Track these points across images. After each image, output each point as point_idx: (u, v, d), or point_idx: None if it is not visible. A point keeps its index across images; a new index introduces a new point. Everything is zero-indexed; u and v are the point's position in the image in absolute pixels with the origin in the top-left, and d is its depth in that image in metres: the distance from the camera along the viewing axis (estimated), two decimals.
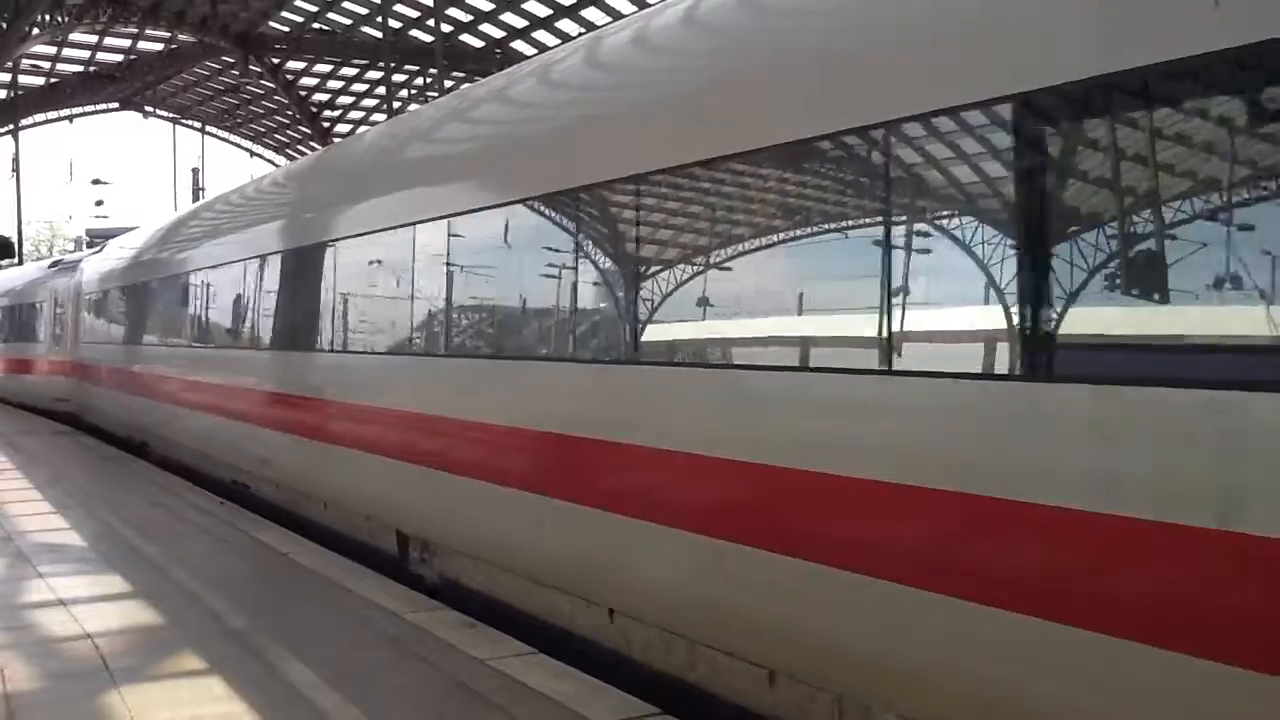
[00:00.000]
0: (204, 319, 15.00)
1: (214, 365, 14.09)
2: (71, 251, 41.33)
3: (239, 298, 13.32)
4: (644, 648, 6.18)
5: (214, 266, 14.28)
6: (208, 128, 53.68)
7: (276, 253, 12.09)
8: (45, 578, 8.70)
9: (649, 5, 7.72)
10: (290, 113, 47.08)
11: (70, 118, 49.68)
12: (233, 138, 54.72)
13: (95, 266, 22.47)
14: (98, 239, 34.57)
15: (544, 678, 6.09)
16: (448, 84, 33.56)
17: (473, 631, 7.10)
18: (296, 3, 35.96)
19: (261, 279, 12.52)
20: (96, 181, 62.06)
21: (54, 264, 28.47)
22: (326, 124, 46.13)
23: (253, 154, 54.97)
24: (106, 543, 10.13)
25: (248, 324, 13.05)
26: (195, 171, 55.72)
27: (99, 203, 64.60)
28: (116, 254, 21.40)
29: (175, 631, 7.18)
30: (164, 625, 7.35)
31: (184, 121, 53.54)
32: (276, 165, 50.30)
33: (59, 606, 7.81)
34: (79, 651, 6.73)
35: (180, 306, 16.03)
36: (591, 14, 30.85)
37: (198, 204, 22.95)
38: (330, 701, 5.79)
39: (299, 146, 50.85)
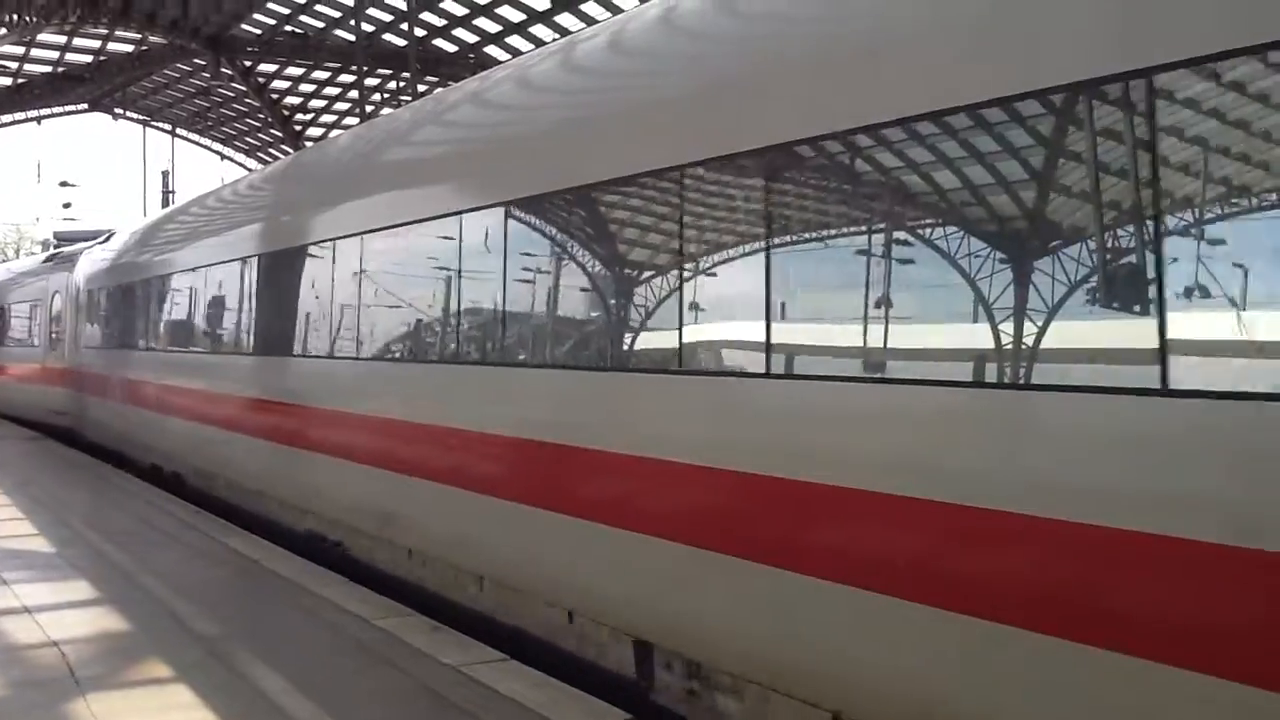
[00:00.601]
0: (278, 320, 11.28)
1: (308, 380, 10.51)
2: (48, 251, 39.42)
3: (340, 286, 9.85)
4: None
5: (285, 249, 11.14)
6: (178, 130, 53.27)
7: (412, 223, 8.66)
8: (10, 585, 8.61)
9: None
10: (262, 116, 46.78)
11: (38, 119, 49.13)
12: (204, 141, 54.31)
13: (98, 259, 19.64)
14: (65, 242, 33.54)
15: (515, 684, 6.08)
16: (420, 88, 33.49)
17: (440, 636, 7.08)
18: (269, 5, 35.77)
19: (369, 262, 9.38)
20: (64, 184, 61.49)
21: (50, 257, 25.66)
22: (299, 127, 45.87)
23: (224, 157, 54.60)
24: (74, 549, 10.04)
25: (367, 326, 9.43)
26: (165, 174, 55.28)
27: (67, 205, 63.97)
28: (126, 244, 18.38)
29: (143, 638, 7.13)
30: (132, 632, 7.29)
31: (154, 124, 53.11)
32: (248, 169, 50.01)
33: (24, 614, 7.73)
34: (45, 659, 6.67)
35: (225, 305, 12.91)
36: (566, 20, 30.84)
37: (239, 179, 17.45)
38: (299, 708, 5.76)
39: (271, 150, 50.57)
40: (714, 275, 5.58)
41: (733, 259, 5.46)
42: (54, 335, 22.03)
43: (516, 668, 6.41)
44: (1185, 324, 3.60)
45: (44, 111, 48.33)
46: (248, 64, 40.86)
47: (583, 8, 30.41)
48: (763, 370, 5.10)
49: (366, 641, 7.02)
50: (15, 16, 31.68)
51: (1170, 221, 3.69)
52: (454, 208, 7.87)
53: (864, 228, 4.85)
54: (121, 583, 8.69)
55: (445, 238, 8.05)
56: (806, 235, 5.18)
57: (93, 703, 5.84)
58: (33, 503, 12.78)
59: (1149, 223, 3.68)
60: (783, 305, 5.15)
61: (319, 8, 35.40)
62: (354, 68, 34.98)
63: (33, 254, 45.29)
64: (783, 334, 5.08)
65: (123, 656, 6.73)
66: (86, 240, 29.75)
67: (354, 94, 39.86)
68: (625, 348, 6.26)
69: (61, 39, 38.72)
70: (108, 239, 20.80)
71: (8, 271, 29.36)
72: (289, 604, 8.10)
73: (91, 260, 20.35)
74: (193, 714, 5.70)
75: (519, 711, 5.66)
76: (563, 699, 5.85)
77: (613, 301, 6.41)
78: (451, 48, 35.71)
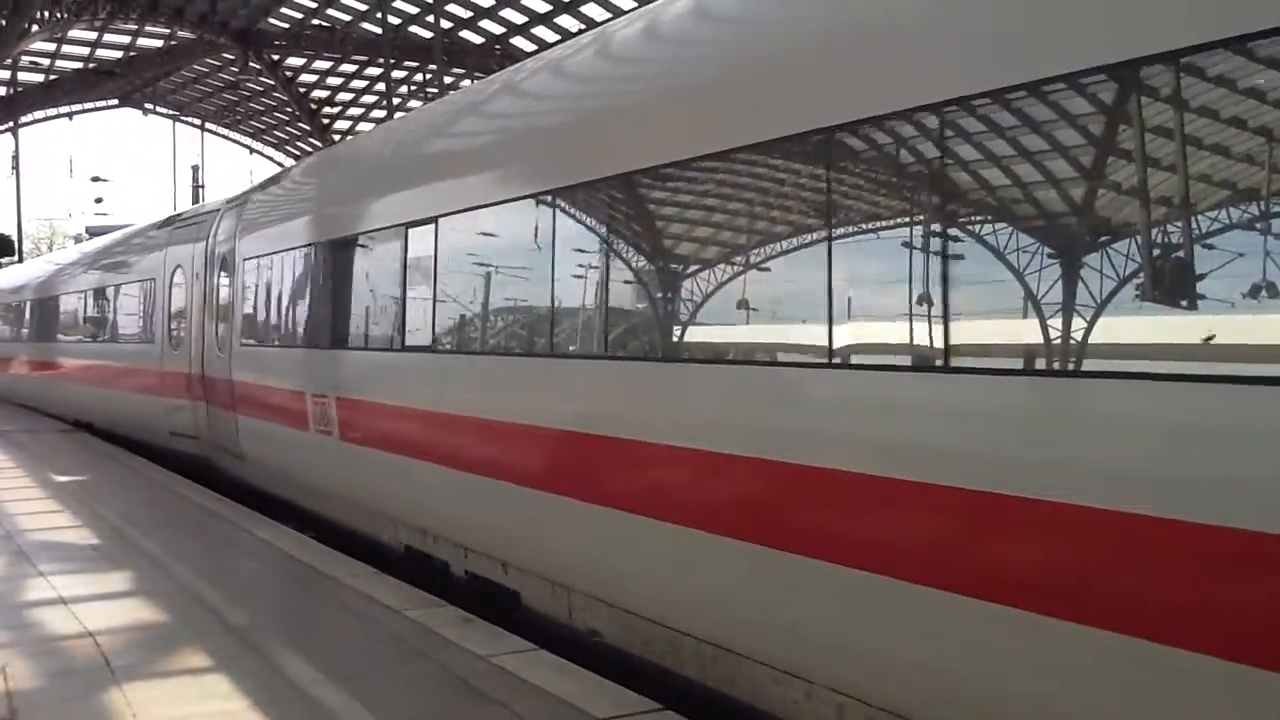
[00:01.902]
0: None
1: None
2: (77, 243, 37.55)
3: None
4: None
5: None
6: (207, 124, 53.65)
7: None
8: (46, 576, 8.70)
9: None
10: (290, 109, 47.04)
11: (70, 115, 49.66)
12: (232, 134, 54.71)
13: (263, 212, 13.23)
14: (97, 236, 32.80)
15: (544, 674, 6.10)
16: (447, 80, 33.57)
17: (471, 627, 7.11)
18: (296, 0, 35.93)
19: None
20: (96, 179, 62.03)
21: (169, 221, 18.43)
22: (326, 120, 46.09)
23: (252, 150, 54.99)
24: (107, 540, 10.14)
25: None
26: (195, 169, 55.73)
27: (99, 200, 64.56)
28: (323, 185, 12.21)
29: (177, 629, 7.19)
30: (165, 623, 7.36)
31: (184, 118, 53.51)
32: (278, 164, 50.29)
33: (60, 605, 7.82)
34: (80, 649, 6.74)
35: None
36: (592, 10, 30.81)
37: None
38: (332, 698, 5.80)
39: (299, 143, 50.83)
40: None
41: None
42: (174, 329, 15.90)
43: (546, 657, 6.43)
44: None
45: (75, 107, 48.86)
46: (276, 57, 41.11)
47: None
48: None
49: (398, 632, 7.05)
50: (46, 13, 31.95)
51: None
52: None
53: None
54: (154, 574, 8.77)
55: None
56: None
57: (129, 692, 5.90)
58: (66, 495, 12.91)
59: None
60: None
61: (346, 1, 35.54)
62: (381, 60, 35.10)
63: (63, 249, 45.30)
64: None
65: (157, 647, 6.80)
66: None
67: (381, 86, 40.02)
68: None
69: (92, 35, 39.07)
70: (274, 181, 14.20)
71: (107, 246, 22.73)
72: (320, 595, 8.15)
73: (249, 215, 13.53)
74: (228, 704, 5.75)
75: (549, 701, 5.68)
76: (589, 688, 5.86)
77: None
78: (478, 39, 35.76)
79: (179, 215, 18.65)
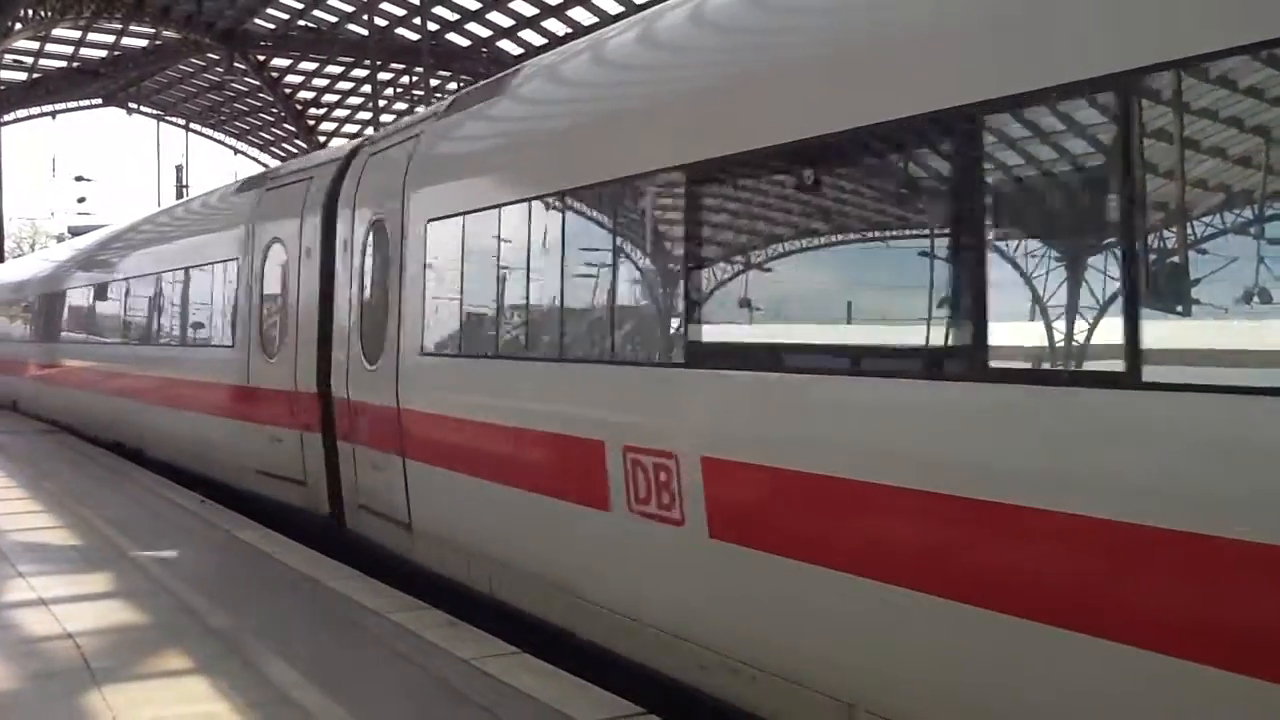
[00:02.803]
0: None
1: None
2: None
3: None
4: None
5: None
6: (192, 125, 53.48)
7: None
8: (26, 577, 8.64)
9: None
10: (275, 110, 46.96)
11: (53, 114, 49.45)
12: (217, 135, 54.56)
13: (450, 154, 8.90)
14: (79, 235, 32.14)
15: (529, 678, 6.07)
16: (433, 83, 33.55)
17: (455, 631, 7.08)
18: (282, 0, 35.85)
19: None
20: (79, 178, 61.74)
21: (255, 181, 14.02)
22: (311, 121, 46.01)
23: (237, 152, 54.86)
24: (88, 541, 10.07)
25: None
26: (179, 169, 55.51)
27: (82, 200, 64.24)
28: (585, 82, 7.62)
29: (158, 631, 7.14)
30: (146, 624, 7.31)
31: (168, 119, 53.33)
32: (262, 164, 50.14)
33: (40, 606, 7.75)
34: (60, 651, 6.68)
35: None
36: (578, 14, 30.85)
37: None
38: (314, 701, 5.77)
39: (283, 144, 50.71)
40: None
41: None
42: (269, 326, 11.67)
43: (530, 661, 6.40)
44: None
45: (59, 106, 48.67)
46: (261, 59, 41.06)
47: (595, 1, 30.39)
48: None
49: (381, 635, 7.02)
50: (31, 12, 31.82)
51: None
52: None
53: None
54: (136, 575, 8.71)
55: None
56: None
57: (109, 695, 5.85)
58: (47, 496, 12.82)
59: None
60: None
61: (332, 2, 35.50)
62: (367, 62, 35.06)
63: (46, 248, 44.74)
64: None
65: (137, 649, 6.75)
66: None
67: (367, 88, 39.96)
68: None
69: (76, 34, 38.94)
70: (482, 96, 8.74)
71: (145, 221, 18.95)
72: (303, 597, 8.11)
73: (433, 154, 8.92)
74: (208, 706, 5.71)
75: (533, 705, 5.66)
76: (576, 692, 5.84)
77: None
78: (465, 42, 35.75)
79: (273, 173, 13.60)
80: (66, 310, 21.58)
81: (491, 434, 7.51)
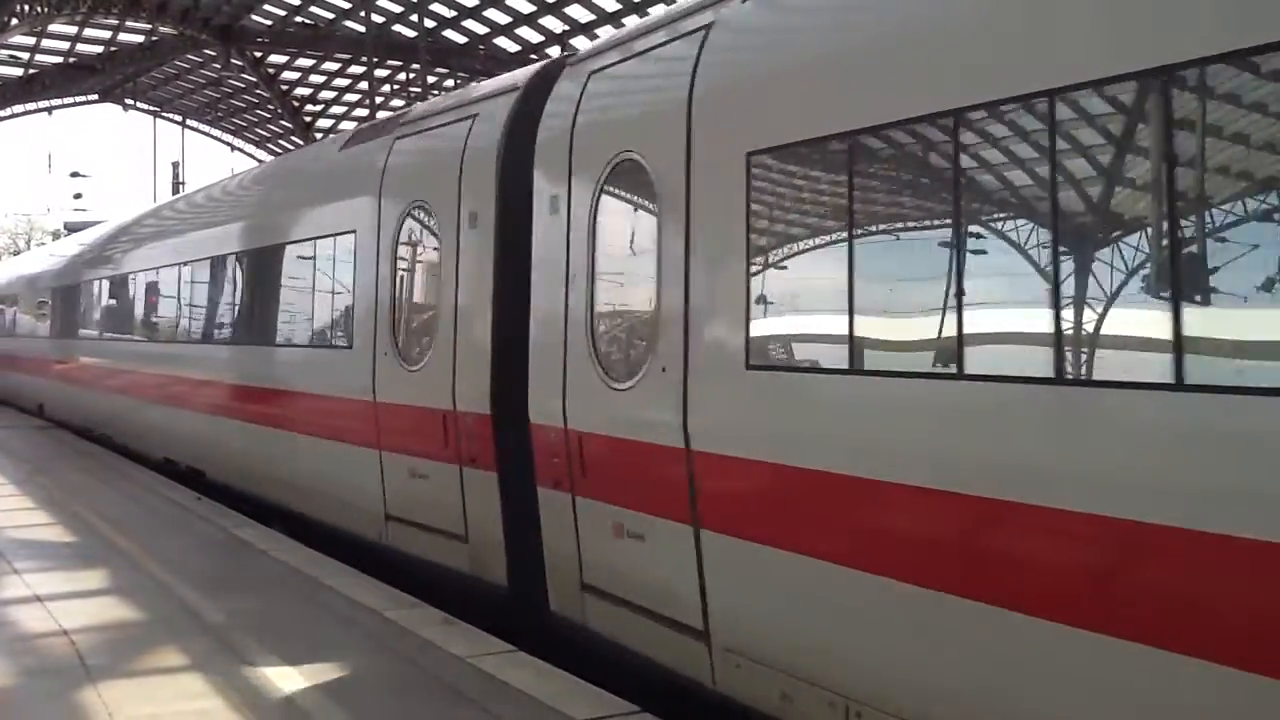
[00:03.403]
0: None
1: None
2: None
3: None
4: None
5: None
6: (189, 121, 53.37)
7: None
8: (21, 574, 8.64)
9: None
10: (272, 107, 46.86)
11: (49, 109, 49.33)
12: (214, 132, 54.44)
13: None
14: (75, 232, 31.66)
15: (523, 676, 6.09)
16: (430, 80, 33.52)
17: (450, 628, 7.09)
18: None
19: None
20: (75, 174, 61.55)
21: (365, 133, 10.87)
22: (308, 119, 45.95)
23: (234, 148, 54.73)
24: (83, 538, 10.07)
25: None
26: (176, 165, 55.40)
27: (78, 195, 64.10)
28: None
29: (152, 627, 7.15)
30: (141, 621, 7.32)
31: (165, 115, 53.21)
32: (259, 160, 50.14)
33: (36, 602, 7.76)
34: (55, 648, 6.70)
35: None
36: (575, 11, 30.82)
37: None
38: (308, 698, 5.78)
39: (281, 141, 50.66)
40: None
41: None
42: (409, 321, 8.94)
43: (525, 659, 6.42)
44: None
45: (55, 102, 48.55)
46: (258, 55, 40.96)
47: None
48: None
49: (377, 633, 7.03)
50: (26, 7, 31.76)
51: None
52: None
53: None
54: (131, 572, 8.72)
55: None
56: None
57: (103, 691, 5.86)
58: (43, 492, 12.82)
59: None
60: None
61: None
62: (364, 59, 34.99)
63: (43, 244, 44.45)
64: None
65: (132, 645, 6.76)
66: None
67: (364, 85, 39.90)
68: None
69: (72, 29, 38.81)
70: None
71: (213, 189, 15.80)
72: (298, 594, 8.12)
73: (737, 46, 5.86)
74: (203, 703, 5.72)
75: (528, 702, 5.67)
76: (571, 690, 5.86)
77: None
78: (462, 39, 35.71)
79: (406, 116, 9.91)
80: (103, 302, 18.81)
81: (931, 506, 4.44)
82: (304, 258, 10.85)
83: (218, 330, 13.37)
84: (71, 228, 40.56)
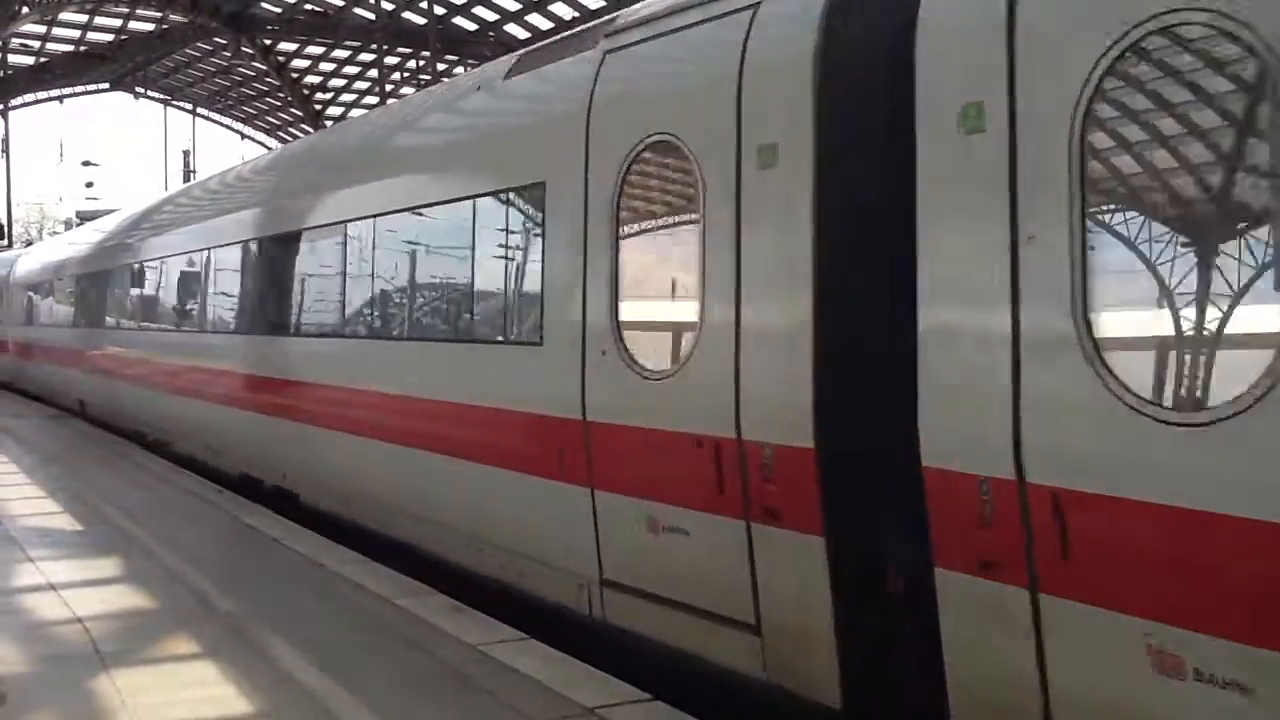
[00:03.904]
0: None
1: None
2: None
3: None
4: None
5: None
6: (199, 109, 53.45)
7: None
8: (35, 561, 8.69)
9: None
10: (282, 95, 46.88)
11: (60, 98, 49.48)
12: (224, 120, 54.52)
13: None
14: (88, 221, 31.33)
15: (534, 663, 6.10)
16: (440, 67, 33.49)
17: (460, 616, 7.11)
18: None
19: None
20: (87, 163, 61.85)
21: (549, 51, 7.80)
22: (318, 106, 45.96)
23: (244, 136, 54.79)
24: (97, 526, 10.12)
25: None
26: (186, 154, 55.53)
27: (89, 184, 64.41)
28: None
29: (165, 615, 7.19)
30: (154, 609, 7.36)
31: (175, 103, 53.30)
32: (268, 148, 50.12)
33: (49, 590, 7.81)
34: (69, 635, 6.73)
35: None
36: None
37: None
38: (320, 685, 5.80)
39: (291, 129, 50.67)
40: None
41: None
42: (646, 310, 6.30)
43: (536, 647, 6.43)
44: None
45: (66, 91, 48.69)
46: (268, 42, 40.97)
47: None
48: None
49: (387, 620, 7.05)
50: None
51: None
52: None
53: None
54: (144, 560, 8.76)
55: None
56: None
57: (117, 678, 5.90)
58: (55, 481, 12.89)
59: None
60: None
61: None
62: (373, 46, 34.98)
63: (56, 233, 44.68)
64: None
65: (145, 633, 6.79)
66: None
67: (374, 73, 39.90)
68: None
69: (83, 18, 38.89)
70: None
71: (309, 143, 14.12)
72: (310, 582, 8.15)
73: None
74: (215, 690, 5.75)
75: (539, 690, 5.68)
76: (581, 677, 5.87)
77: None
78: (472, 26, 35.66)
79: (611, 22, 6.97)
80: (161, 284, 15.89)
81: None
82: (457, 223, 8.07)
83: (325, 320, 10.44)
84: (84, 216, 40.55)
